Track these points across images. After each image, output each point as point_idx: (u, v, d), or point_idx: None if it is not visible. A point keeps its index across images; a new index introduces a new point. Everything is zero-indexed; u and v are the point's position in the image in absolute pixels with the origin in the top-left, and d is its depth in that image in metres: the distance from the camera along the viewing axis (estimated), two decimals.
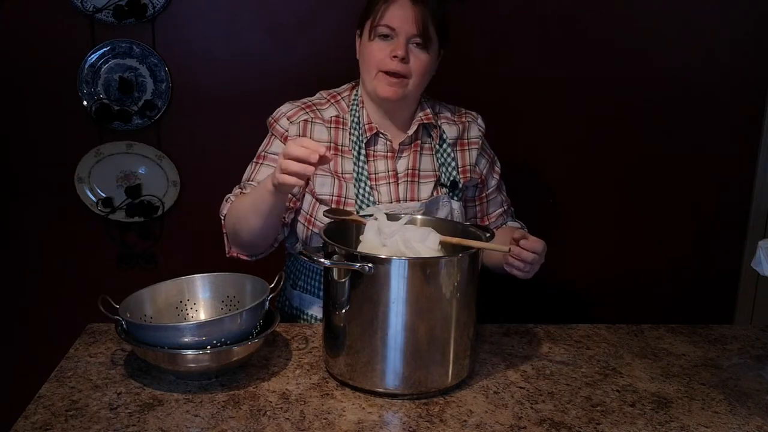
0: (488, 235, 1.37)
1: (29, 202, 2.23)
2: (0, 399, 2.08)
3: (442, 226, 1.39)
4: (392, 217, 1.40)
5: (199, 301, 1.44)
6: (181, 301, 1.43)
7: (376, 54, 1.50)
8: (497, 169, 1.74)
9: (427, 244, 1.30)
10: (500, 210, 1.74)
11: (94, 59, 2.14)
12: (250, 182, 1.58)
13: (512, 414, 1.22)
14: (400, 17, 1.48)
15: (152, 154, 2.22)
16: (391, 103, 1.55)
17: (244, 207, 1.48)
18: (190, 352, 1.23)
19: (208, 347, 1.24)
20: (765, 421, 1.23)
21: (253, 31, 2.20)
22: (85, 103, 2.16)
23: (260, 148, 1.62)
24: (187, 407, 1.20)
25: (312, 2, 2.18)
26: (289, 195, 1.52)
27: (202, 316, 1.43)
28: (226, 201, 1.58)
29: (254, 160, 1.62)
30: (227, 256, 1.58)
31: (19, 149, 2.20)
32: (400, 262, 1.22)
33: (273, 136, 1.61)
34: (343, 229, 1.41)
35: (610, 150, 2.37)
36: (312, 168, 1.26)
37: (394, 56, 1.48)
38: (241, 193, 1.57)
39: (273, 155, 1.58)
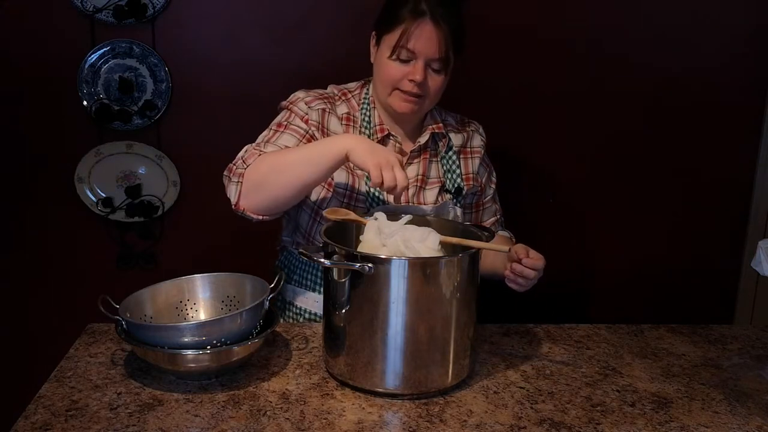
0: (487, 234, 1.37)
1: (29, 202, 2.23)
2: (0, 399, 2.08)
3: (442, 226, 1.39)
4: (392, 217, 1.40)
5: (199, 301, 1.44)
6: (181, 301, 1.43)
7: (393, 74, 1.50)
8: (494, 179, 1.75)
9: (427, 244, 1.30)
10: (493, 219, 1.75)
11: (94, 59, 2.14)
12: (270, 145, 1.51)
13: (512, 414, 1.22)
14: (423, 40, 1.46)
15: (152, 154, 2.22)
16: (405, 116, 1.56)
17: (292, 157, 1.43)
18: (190, 352, 1.23)
19: (208, 347, 1.24)
20: (765, 421, 1.24)
21: (253, 31, 2.21)
22: (85, 103, 2.16)
23: (277, 120, 1.56)
24: (187, 407, 1.20)
25: (312, 2, 2.18)
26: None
27: (202, 316, 1.43)
28: (248, 152, 1.49)
29: (272, 127, 1.55)
30: (233, 208, 1.48)
31: (19, 149, 2.20)
32: (400, 262, 1.22)
33: (292, 114, 1.55)
34: (343, 229, 1.41)
35: (609, 150, 2.37)
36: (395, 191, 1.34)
37: (412, 80, 1.48)
38: (260, 154, 1.48)
39: (297, 127, 1.53)
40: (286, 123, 1.55)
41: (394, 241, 1.30)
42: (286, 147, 1.50)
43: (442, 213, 1.59)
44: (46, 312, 2.28)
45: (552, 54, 2.28)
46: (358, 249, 1.33)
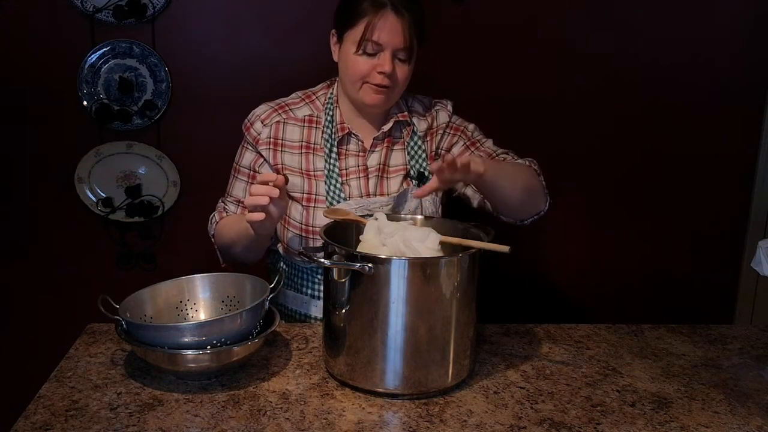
0: (488, 235, 1.37)
1: (29, 202, 2.23)
2: (0, 399, 2.08)
3: (442, 226, 1.39)
4: (392, 217, 1.40)
5: (199, 301, 1.44)
6: (181, 301, 1.43)
7: (361, 68, 1.51)
8: (469, 133, 1.67)
9: (427, 244, 1.30)
10: (495, 148, 1.67)
11: (94, 59, 2.14)
12: (229, 197, 1.67)
13: (512, 414, 1.22)
14: (387, 32, 1.48)
15: (152, 154, 2.22)
16: (374, 108, 1.57)
17: (230, 235, 1.57)
18: (190, 352, 1.23)
19: (208, 347, 1.24)
20: (765, 421, 1.23)
21: (253, 31, 2.21)
22: (85, 103, 2.16)
23: (235, 157, 1.68)
24: (187, 407, 1.20)
25: (312, 2, 2.18)
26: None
27: (202, 316, 1.43)
28: (212, 222, 1.68)
29: (231, 171, 1.68)
30: (222, 266, 1.63)
31: (20, 149, 2.20)
32: (400, 262, 1.22)
33: (245, 147, 1.65)
34: (343, 229, 1.41)
35: (610, 150, 2.37)
36: (274, 194, 1.33)
37: (381, 72, 1.50)
38: (224, 209, 1.66)
39: (244, 169, 1.65)
40: (237, 167, 1.67)
41: (394, 241, 1.31)
42: (238, 201, 1.65)
43: (402, 201, 1.59)
44: (46, 312, 2.28)
45: (549, 52, 2.28)
46: (358, 249, 1.33)
